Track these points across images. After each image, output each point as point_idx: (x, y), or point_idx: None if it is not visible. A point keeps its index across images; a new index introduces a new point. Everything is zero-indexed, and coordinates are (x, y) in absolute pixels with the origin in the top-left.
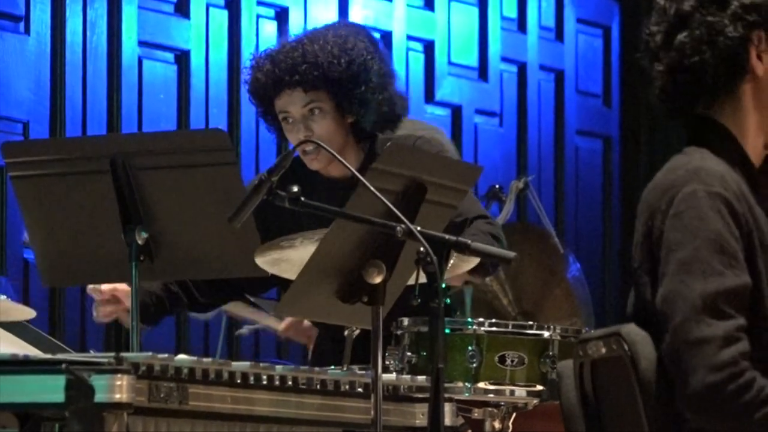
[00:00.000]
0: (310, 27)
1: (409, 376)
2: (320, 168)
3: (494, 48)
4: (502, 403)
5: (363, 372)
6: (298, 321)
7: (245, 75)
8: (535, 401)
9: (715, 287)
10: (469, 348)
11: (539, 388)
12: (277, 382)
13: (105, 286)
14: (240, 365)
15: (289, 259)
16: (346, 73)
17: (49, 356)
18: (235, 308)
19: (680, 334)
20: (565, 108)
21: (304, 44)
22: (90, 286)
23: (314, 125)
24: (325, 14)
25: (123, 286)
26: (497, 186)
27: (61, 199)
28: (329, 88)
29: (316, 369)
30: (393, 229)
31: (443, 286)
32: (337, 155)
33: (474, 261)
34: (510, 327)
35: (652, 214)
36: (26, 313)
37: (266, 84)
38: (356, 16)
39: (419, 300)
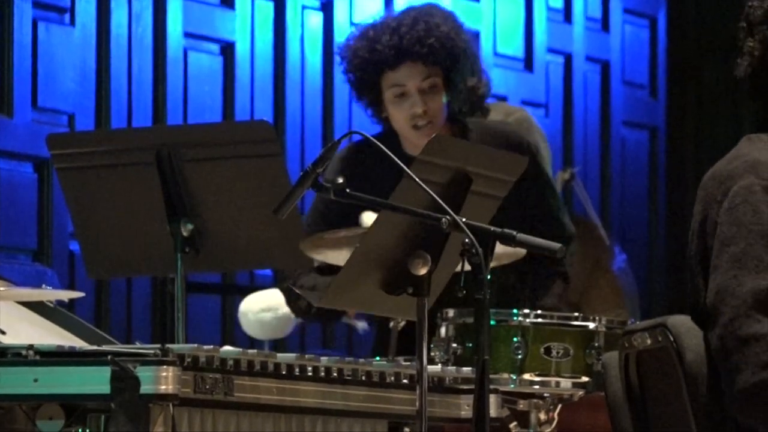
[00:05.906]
0: (356, 19)
1: (454, 368)
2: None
3: (540, 38)
4: (548, 395)
5: (408, 363)
6: None
7: (344, 49)
8: (581, 392)
9: (767, 284)
10: (515, 339)
11: (584, 379)
12: (322, 374)
13: None
14: (285, 357)
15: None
16: (460, 50)
17: (94, 347)
18: None
19: (729, 331)
20: (611, 99)
21: (424, 19)
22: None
23: (430, 101)
24: (370, 5)
25: None
26: None
27: (106, 191)
28: (447, 63)
29: (361, 360)
30: (438, 220)
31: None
32: (387, 150)
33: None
34: (555, 318)
35: (708, 204)
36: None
37: (385, 55)
38: (401, 6)
39: (464, 291)
